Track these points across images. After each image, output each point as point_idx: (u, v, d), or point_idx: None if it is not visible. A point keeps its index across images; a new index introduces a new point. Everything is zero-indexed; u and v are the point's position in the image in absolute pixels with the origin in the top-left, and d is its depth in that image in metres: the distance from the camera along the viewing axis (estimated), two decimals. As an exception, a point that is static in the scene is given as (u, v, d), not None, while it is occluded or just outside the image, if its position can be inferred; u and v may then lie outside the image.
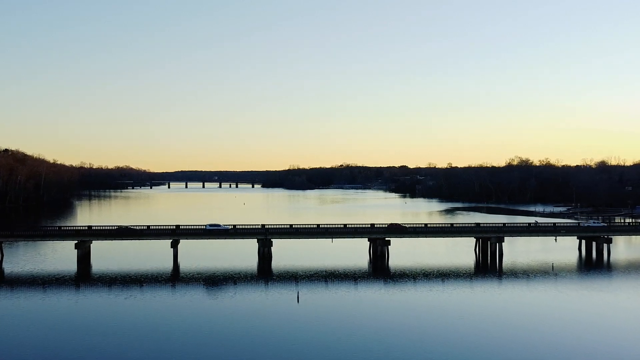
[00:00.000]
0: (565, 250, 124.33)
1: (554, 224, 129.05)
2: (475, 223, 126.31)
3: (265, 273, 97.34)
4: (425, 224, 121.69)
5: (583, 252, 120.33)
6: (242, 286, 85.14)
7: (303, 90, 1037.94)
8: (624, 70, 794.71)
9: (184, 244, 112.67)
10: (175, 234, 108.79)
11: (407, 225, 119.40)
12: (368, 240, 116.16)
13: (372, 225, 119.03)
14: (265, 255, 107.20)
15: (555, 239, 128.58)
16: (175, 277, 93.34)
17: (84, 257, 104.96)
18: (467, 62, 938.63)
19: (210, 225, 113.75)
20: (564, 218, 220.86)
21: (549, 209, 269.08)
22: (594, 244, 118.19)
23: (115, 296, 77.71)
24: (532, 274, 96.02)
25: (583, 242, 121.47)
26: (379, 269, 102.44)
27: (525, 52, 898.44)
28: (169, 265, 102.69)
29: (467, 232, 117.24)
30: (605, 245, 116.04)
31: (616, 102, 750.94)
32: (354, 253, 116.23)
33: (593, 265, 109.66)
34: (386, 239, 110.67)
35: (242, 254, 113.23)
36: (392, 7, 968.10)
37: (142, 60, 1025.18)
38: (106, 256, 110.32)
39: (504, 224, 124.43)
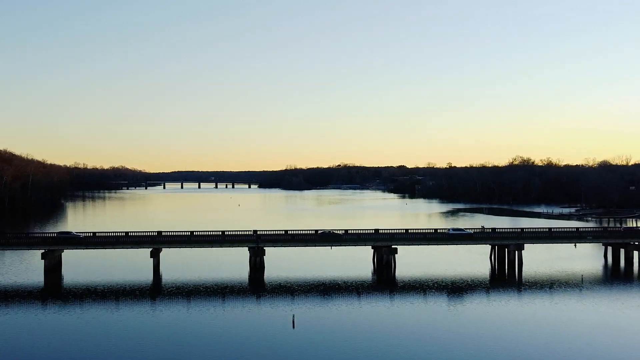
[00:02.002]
0: (588, 258, 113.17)
1: (577, 228, 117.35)
2: (490, 228, 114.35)
3: (257, 287, 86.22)
4: (435, 229, 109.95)
5: (609, 260, 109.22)
6: (230, 303, 74.45)
7: (300, 90, 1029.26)
8: (624, 70, 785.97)
9: (166, 253, 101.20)
10: (156, 241, 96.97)
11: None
12: (372, 248, 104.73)
13: (376, 230, 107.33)
14: (257, 265, 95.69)
15: (575, 245, 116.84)
16: (155, 292, 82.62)
17: (53, 269, 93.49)
18: (466, 62, 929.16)
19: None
20: (572, 220, 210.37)
21: (557, 210, 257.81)
22: (622, 251, 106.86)
23: (86, 313, 68.32)
24: (555, 286, 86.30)
25: (609, 249, 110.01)
26: (385, 281, 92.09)
27: (525, 52, 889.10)
28: (149, 277, 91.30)
29: (483, 239, 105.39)
30: (636, 253, 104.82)
31: (616, 102, 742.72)
32: (356, 262, 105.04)
33: (622, 275, 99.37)
34: (392, 246, 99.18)
35: (231, 264, 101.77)
36: (392, 7, 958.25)
37: (139, 60, 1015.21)
38: (79, 267, 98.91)
39: (522, 229, 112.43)
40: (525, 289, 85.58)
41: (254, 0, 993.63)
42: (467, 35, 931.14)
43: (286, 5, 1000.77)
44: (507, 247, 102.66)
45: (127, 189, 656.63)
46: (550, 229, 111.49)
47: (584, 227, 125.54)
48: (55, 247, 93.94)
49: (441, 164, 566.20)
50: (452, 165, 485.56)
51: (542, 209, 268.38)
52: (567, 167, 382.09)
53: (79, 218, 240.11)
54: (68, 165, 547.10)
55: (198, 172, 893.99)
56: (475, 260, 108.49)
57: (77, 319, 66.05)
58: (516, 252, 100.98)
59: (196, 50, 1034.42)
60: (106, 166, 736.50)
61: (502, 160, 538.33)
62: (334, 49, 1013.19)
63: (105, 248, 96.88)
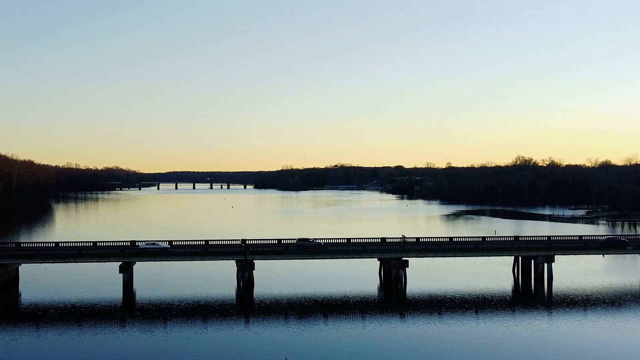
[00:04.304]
0: (624, 270, 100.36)
1: (608, 236, 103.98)
2: (513, 236, 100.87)
3: (244, 308, 73.12)
4: (450, 238, 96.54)
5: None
6: (213, 328, 62.29)
7: (297, 90, 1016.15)
8: (624, 70, 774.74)
9: (140, 267, 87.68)
10: (127, 254, 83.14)
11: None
12: (378, 260, 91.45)
13: (383, 239, 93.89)
14: (245, 281, 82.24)
15: (603, 255, 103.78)
16: (126, 314, 69.78)
17: (7, 285, 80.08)
18: (466, 62, 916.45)
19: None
20: (582, 223, 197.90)
21: (567, 212, 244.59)
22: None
23: (43, 339, 58.79)
24: (589, 303, 74.72)
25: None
26: (394, 299, 79.70)
27: (525, 52, 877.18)
28: (119, 296, 77.93)
29: (507, 250, 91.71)
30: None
31: (616, 102, 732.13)
32: (360, 277, 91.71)
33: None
34: (403, 259, 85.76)
35: (216, 281, 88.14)
36: (391, 7, 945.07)
37: (134, 60, 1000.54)
38: (38, 284, 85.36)
39: (549, 237, 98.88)
40: (557, 307, 73.81)
41: (253, 0, 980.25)
42: (467, 35, 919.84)
43: (283, 5, 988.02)
44: (534, 258, 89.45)
45: (121, 189, 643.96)
46: (581, 237, 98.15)
47: (618, 235, 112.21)
48: (7, 260, 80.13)
49: (440, 164, 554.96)
50: (452, 165, 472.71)
51: (549, 211, 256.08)
52: (571, 168, 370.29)
53: (63, 222, 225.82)
54: (60, 166, 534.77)
55: (193, 172, 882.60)
56: (495, 274, 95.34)
57: (33, 345, 56.47)
58: (545, 264, 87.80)
59: (192, 50, 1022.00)
60: (100, 166, 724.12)
61: (502, 161, 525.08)
62: (331, 49, 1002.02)
63: (67, 262, 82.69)
